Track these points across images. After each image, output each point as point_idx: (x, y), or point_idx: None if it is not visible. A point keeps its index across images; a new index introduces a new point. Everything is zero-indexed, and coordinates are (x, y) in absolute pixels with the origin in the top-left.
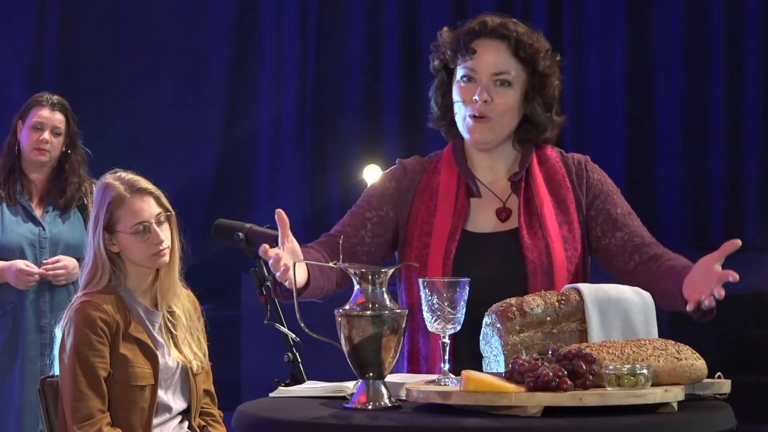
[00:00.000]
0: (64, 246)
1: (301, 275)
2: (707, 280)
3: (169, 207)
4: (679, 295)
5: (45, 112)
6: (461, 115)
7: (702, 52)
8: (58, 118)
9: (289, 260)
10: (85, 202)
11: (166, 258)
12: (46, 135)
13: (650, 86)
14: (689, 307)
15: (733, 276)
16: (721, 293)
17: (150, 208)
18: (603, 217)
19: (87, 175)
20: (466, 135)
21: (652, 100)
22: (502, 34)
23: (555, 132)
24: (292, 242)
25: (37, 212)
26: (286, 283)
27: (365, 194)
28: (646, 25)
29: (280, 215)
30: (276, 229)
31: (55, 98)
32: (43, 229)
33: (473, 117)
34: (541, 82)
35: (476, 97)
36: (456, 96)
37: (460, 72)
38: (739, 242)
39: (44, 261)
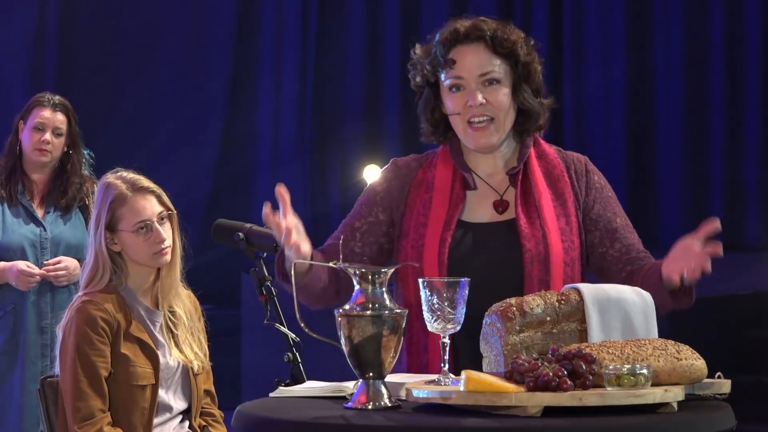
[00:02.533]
0: (65, 246)
1: (306, 250)
2: (687, 256)
3: (171, 206)
4: (659, 281)
5: (46, 113)
6: (460, 125)
7: (702, 53)
8: (60, 118)
9: (294, 228)
10: (87, 202)
11: (168, 257)
12: (48, 135)
13: (650, 87)
14: (673, 279)
15: (716, 251)
16: (707, 267)
17: (152, 206)
18: (603, 224)
19: (88, 175)
20: (469, 143)
21: (653, 100)
22: (476, 35)
23: (547, 116)
24: (295, 218)
25: (39, 213)
26: (290, 257)
27: (357, 202)
28: (646, 26)
29: (280, 192)
30: None
31: (57, 99)
32: (45, 230)
33: (472, 124)
34: (525, 70)
35: (470, 103)
36: (450, 108)
37: (446, 82)
38: (718, 223)
39: (45, 262)
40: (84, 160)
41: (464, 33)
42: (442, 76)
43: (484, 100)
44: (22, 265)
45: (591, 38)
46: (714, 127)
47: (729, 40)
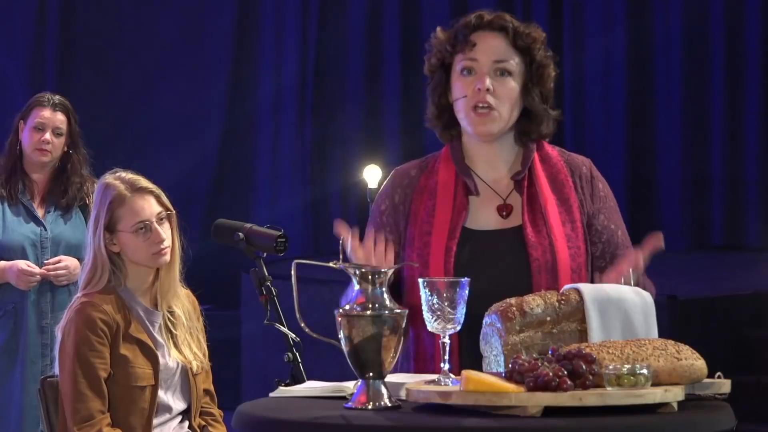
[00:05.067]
0: (66, 246)
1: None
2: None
3: (170, 206)
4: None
5: (46, 113)
6: (463, 110)
7: (702, 52)
8: (60, 118)
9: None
10: (87, 202)
11: (167, 257)
12: (48, 135)
13: (651, 86)
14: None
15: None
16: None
17: (151, 207)
18: (607, 237)
19: (89, 175)
20: (469, 128)
21: (653, 100)
22: (500, 25)
23: (551, 126)
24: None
25: (39, 212)
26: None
27: (368, 225)
28: (646, 24)
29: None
30: (276, 229)
31: (57, 98)
32: (45, 230)
33: (475, 109)
34: (538, 72)
35: (478, 86)
36: (457, 92)
37: (459, 65)
38: (661, 239)
39: (45, 261)
40: (84, 160)
41: (488, 20)
42: (458, 58)
43: (492, 87)
44: (22, 264)
45: (590, 37)
46: (714, 127)
47: (729, 40)
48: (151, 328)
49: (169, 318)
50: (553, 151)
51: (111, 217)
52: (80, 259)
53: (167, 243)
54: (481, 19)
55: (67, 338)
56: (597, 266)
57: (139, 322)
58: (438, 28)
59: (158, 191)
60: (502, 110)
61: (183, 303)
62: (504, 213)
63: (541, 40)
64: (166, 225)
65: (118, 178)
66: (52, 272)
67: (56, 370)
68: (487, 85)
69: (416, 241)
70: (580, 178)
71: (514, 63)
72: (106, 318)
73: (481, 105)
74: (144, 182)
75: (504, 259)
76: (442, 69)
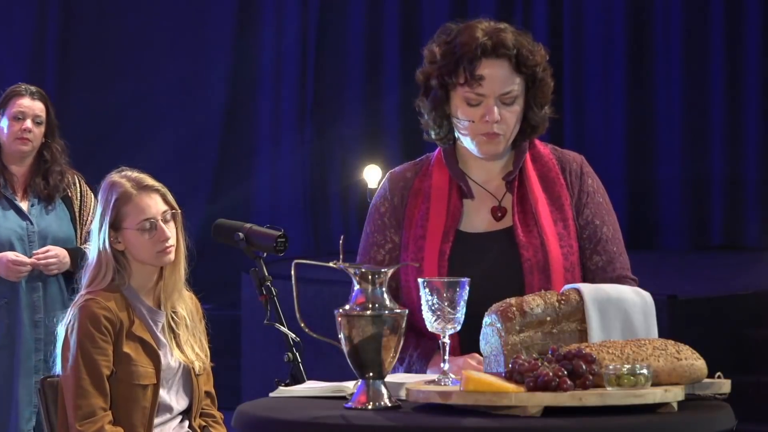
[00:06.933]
0: (53, 239)
1: None
2: None
3: (175, 205)
4: None
5: (26, 101)
6: (470, 134)
7: (702, 52)
8: (39, 106)
9: None
10: (69, 194)
11: (172, 256)
12: (28, 123)
13: (651, 87)
14: None
15: None
16: None
17: (156, 205)
18: (589, 232)
19: (68, 166)
20: (474, 150)
21: (653, 100)
22: (502, 53)
23: (546, 125)
24: None
25: (23, 205)
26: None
27: (368, 229)
28: (646, 25)
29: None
30: (276, 229)
31: (33, 88)
32: (31, 223)
33: (485, 134)
34: (540, 87)
35: (488, 118)
36: (461, 115)
37: (464, 96)
38: None
39: (34, 252)
40: (63, 149)
41: (491, 47)
42: (462, 88)
43: (500, 117)
44: (11, 255)
45: (591, 38)
46: (714, 127)
47: (729, 40)
48: (154, 327)
49: (172, 317)
50: (545, 149)
51: (116, 214)
52: (68, 249)
53: (172, 242)
54: (485, 48)
55: (70, 335)
56: (581, 263)
57: (142, 321)
58: (434, 47)
59: (164, 190)
60: (508, 133)
61: (186, 304)
62: (498, 215)
63: (544, 61)
64: (171, 224)
65: (123, 176)
66: (42, 261)
67: (57, 370)
68: (496, 117)
69: (411, 245)
70: (570, 174)
71: (518, 87)
72: (109, 315)
73: (490, 132)
74: (150, 180)
75: (496, 260)
76: (441, 87)
